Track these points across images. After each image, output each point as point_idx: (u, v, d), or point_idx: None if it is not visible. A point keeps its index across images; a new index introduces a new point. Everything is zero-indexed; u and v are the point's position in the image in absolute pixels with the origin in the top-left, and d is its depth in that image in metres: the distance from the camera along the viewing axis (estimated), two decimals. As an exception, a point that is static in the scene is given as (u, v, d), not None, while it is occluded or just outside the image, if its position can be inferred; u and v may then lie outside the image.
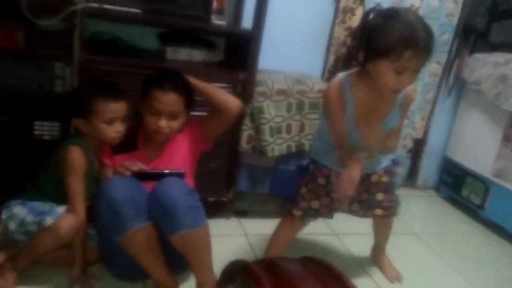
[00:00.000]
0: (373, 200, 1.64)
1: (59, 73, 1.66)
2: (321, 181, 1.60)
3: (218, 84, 1.85)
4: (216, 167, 2.03)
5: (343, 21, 2.37)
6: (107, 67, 1.69)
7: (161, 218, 1.37)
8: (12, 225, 1.48)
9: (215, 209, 2.08)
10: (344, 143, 1.47)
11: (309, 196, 1.61)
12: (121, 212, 1.34)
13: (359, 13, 2.36)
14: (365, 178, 1.58)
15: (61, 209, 1.48)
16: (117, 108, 1.50)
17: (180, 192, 1.36)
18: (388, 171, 1.64)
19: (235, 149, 2.02)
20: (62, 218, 1.43)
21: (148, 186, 1.43)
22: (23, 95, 1.65)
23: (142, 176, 1.45)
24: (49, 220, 1.44)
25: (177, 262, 1.47)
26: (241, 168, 2.08)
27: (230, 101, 1.64)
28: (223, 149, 1.99)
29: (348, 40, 2.41)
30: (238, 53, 2.01)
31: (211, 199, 2.05)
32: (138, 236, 1.37)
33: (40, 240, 1.43)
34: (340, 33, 2.39)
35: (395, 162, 1.68)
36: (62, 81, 1.67)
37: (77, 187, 1.46)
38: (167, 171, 1.48)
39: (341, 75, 1.46)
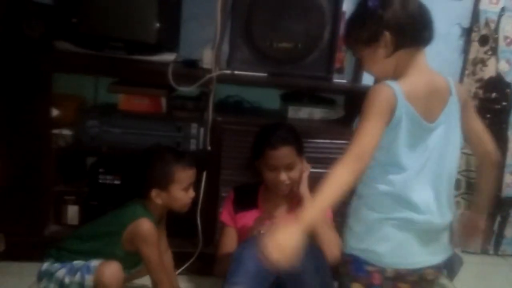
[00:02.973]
0: None
1: (194, 133, 1.84)
2: None
3: (338, 141, 1.86)
4: (336, 225, 1.97)
5: (473, 73, 2.22)
6: (235, 127, 1.82)
7: (289, 279, 1.35)
8: None
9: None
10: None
11: None
12: (242, 267, 1.36)
13: (491, 63, 2.20)
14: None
15: (94, 262, 1.47)
16: (192, 174, 1.55)
17: (308, 252, 1.32)
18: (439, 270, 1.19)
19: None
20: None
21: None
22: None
23: None
24: (88, 278, 1.43)
25: None
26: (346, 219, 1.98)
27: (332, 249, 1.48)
28: (342, 207, 1.92)
29: (480, 92, 2.23)
30: (358, 109, 1.99)
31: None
32: None
33: None
34: (471, 85, 2.23)
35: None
36: (196, 140, 1.84)
37: (158, 260, 1.48)
38: None
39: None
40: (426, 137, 1.12)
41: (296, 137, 1.60)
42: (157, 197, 1.51)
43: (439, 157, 1.13)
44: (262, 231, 1.46)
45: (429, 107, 1.11)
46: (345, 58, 2.02)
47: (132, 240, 1.47)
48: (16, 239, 1.80)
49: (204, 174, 1.83)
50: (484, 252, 2.44)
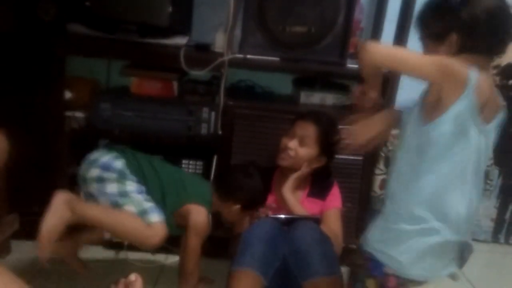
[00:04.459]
0: None
1: (205, 117, 1.84)
2: None
3: (351, 127, 1.85)
4: (346, 211, 1.97)
5: (490, 59, 2.18)
6: (246, 111, 1.82)
7: (295, 262, 1.36)
8: (112, 186, 1.46)
9: (343, 257, 2.00)
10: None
11: None
12: (249, 248, 1.38)
13: (509, 50, 2.14)
14: None
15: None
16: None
17: (316, 238, 1.35)
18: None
19: (367, 194, 1.94)
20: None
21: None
22: (175, 136, 1.86)
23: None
24: (151, 218, 1.42)
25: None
26: (373, 215, 1.98)
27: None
28: (354, 193, 1.93)
29: (497, 79, 2.19)
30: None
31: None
32: (245, 278, 1.35)
33: (129, 222, 1.40)
34: (486, 72, 2.19)
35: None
36: (207, 124, 1.84)
37: (199, 252, 1.53)
38: (303, 216, 1.49)
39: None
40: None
41: (328, 129, 1.60)
42: (235, 214, 1.56)
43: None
44: (270, 214, 1.47)
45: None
46: (359, 43, 1.99)
47: (184, 218, 1.51)
48: (30, 219, 1.84)
49: (215, 158, 1.84)
50: (495, 241, 2.42)
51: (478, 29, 1.07)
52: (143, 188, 1.49)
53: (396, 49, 1.21)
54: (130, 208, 1.42)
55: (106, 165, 1.48)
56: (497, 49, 1.11)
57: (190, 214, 1.50)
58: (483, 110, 1.08)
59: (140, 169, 1.51)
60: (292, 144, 1.56)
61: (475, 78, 1.04)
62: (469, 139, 1.09)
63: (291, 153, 1.57)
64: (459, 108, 1.05)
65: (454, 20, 1.08)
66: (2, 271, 0.74)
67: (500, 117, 1.15)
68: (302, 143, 1.57)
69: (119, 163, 1.49)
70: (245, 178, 1.53)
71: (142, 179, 1.50)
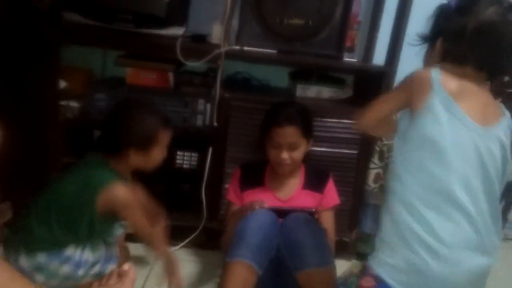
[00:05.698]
0: None
1: (201, 108, 1.84)
2: None
3: (346, 121, 1.85)
4: (340, 204, 1.98)
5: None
6: (242, 104, 1.81)
7: (289, 254, 1.37)
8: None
9: (336, 249, 2.01)
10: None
11: None
12: (244, 240, 1.38)
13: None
14: None
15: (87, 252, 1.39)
16: (170, 134, 1.47)
17: (309, 228, 1.35)
18: None
19: (361, 188, 1.95)
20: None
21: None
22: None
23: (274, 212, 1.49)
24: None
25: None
26: (366, 208, 2.00)
27: None
28: (348, 187, 1.94)
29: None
30: (368, 89, 1.98)
31: (333, 237, 1.99)
32: (239, 269, 1.35)
33: None
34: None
35: None
36: (203, 116, 1.84)
37: (144, 220, 1.40)
38: (297, 208, 1.49)
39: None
40: None
41: (305, 118, 1.59)
42: (134, 157, 1.40)
43: None
44: (266, 205, 1.48)
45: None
46: (356, 36, 1.99)
47: (110, 208, 1.35)
48: (23, 208, 1.84)
49: (210, 150, 1.84)
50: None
51: (464, 38, 1.05)
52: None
53: (377, 102, 1.21)
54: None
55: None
56: (491, 66, 1.08)
57: (111, 200, 1.34)
58: (462, 103, 1.04)
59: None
60: (284, 155, 1.54)
61: (438, 74, 1.05)
62: (457, 140, 1.03)
63: (287, 162, 1.56)
64: (431, 101, 1.04)
65: (443, 25, 1.09)
66: (6, 267, 0.73)
67: (505, 124, 1.11)
68: (291, 148, 1.55)
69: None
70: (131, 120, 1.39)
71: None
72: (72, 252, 1.36)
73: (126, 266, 0.88)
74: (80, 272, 1.36)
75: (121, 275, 0.88)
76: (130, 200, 1.37)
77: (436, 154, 1.03)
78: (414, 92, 1.08)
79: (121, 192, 1.34)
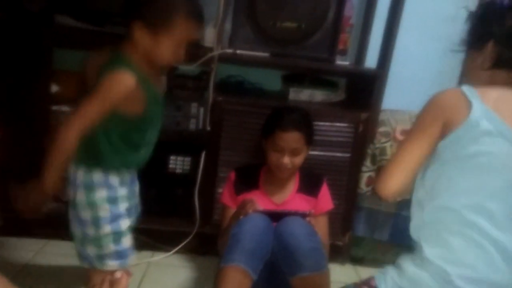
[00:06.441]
0: None
1: (194, 112, 1.83)
2: None
3: (338, 124, 1.86)
4: (333, 208, 1.98)
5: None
6: (235, 107, 1.81)
7: (283, 258, 1.37)
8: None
9: (329, 253, 2.01)
10: None
11: None
12: (238, 244, 1.37)
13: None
14: None
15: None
16: (197, 28, 1.17)
17: (303, 232, 1.35)
18: None
19: (354, 191, 1.95)
20: None
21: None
22: (163, 132, 1.83)
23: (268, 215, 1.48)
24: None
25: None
26: (359, 212, 2.00)
27: None
28: (341, 191, 1.94)
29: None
30: (360, 92, 1.99)
31: (326, 241, 1.99)
32: (234, 274, 1.34)
33: None
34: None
35: None
36: (196, 120, 1.84)
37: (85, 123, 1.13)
38: (291, 211, 1.49)
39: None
40: None
41: (309, 125, 1.60)
42: (138, 35, 1.12)
43: None
44: (259, 208, 1.47)
45: None
46: (348, 40, 2.00)
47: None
48: (14, 215, 1.81)
49: (203, 153, 1.83)
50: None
51: None
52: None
53: (395, 156, 1.01)
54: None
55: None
56: None
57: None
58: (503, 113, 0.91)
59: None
60: (286, 160, 1.54)
61: (471, 88, 0.93)
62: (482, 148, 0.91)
63: (288, 166, 1.56)
64: (471, 117, 0.90)
65: (495, 27, 0.95)
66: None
67: None
68: (294, 153, 1.55)
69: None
70: None
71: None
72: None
73: (118, 274, 0.87)
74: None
75: (113, 283, 0.87)
76: (115, 90, 1.10)
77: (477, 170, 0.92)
78: (451, 113, 0.94)
79: (119, 77, 1.09)
